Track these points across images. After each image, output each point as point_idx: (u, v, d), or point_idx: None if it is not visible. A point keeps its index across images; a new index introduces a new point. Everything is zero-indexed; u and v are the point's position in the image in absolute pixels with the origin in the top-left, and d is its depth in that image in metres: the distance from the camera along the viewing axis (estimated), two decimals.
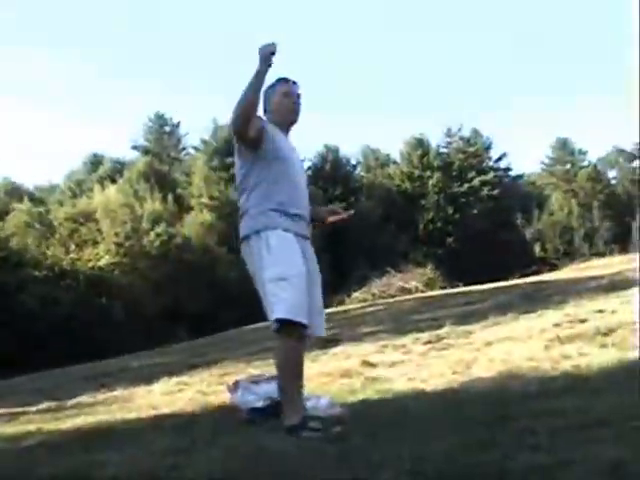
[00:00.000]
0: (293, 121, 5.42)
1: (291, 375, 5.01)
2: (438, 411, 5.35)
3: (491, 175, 65.45)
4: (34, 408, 10.92)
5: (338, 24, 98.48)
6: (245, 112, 4.95)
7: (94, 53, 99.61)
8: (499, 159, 68.28)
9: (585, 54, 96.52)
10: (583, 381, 5.87)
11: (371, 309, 21.27)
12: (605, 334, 8.42)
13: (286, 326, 4.88)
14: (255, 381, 6.21)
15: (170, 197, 52.58)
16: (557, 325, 10.06)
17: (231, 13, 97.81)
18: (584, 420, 4.11)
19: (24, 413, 10.49)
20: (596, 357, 7.16)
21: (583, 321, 10.01)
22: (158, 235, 45.76)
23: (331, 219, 5.66)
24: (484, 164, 66.87)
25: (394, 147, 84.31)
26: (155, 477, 3.91)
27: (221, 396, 8.14)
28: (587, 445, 3.53)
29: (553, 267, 50.98)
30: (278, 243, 5.11)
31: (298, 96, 5.40)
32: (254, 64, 4.99)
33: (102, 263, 40.10)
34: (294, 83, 5.39)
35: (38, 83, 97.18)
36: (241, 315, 38.61)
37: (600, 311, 10.60)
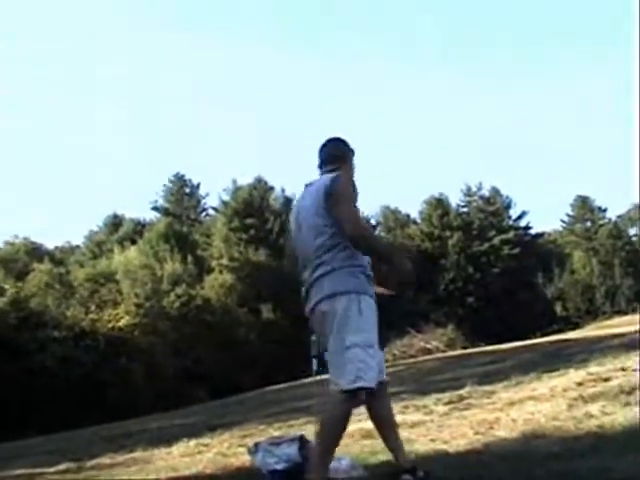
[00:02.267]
0: None
1: (335, 435, 5.12)
2: (461, 472, 5.28)
3: (511, 234, 65.41)
4: (52, 469, 10.87)
5: (355, 82, 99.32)
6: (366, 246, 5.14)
7: (114, 115, 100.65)
8: (519, 217, 68.27)
9: (601, 113, 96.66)
10: (607, 441, 5.79)
11: (392, 369, 21.11)
12: (629, 392, 8.30)
13: (359, 392, 4.99)
14: (276, 443, 6.16)
15: (190, 258, 52.79)
16: (580, 384, 9.94)
17: (247, 81, 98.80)
18: None
19: (42, 474, 10.43)
20: (620, 416, 7.05)
21: (606, 379, 9.89)
22: (178, 296, 45.86)
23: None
24: (504, 223, 66.89)
25: (414, 206, 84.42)
26: None
27: (241, 458, 8.07)
28: None
29: (575, 326, 50.73)
30: (367, 309, 5.11)
31: None
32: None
33: (122, 324, 40.08)
34: None
35: (57, 142, 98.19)
36: (261, 376, 38.58)
37: (623, 369, 10.48)
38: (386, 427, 5.51)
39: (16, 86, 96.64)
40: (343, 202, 5.07)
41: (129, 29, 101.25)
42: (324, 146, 5.50)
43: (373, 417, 5.51)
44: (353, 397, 5.00)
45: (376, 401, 5.31)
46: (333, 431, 5.10)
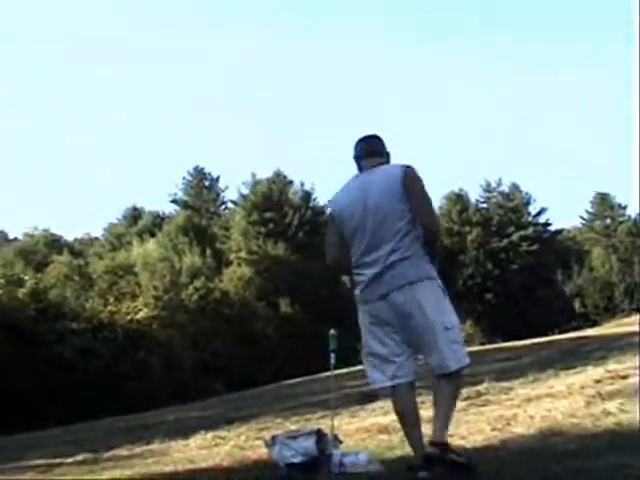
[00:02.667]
0: None
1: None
2: (478, 469, 5.27)
3: (530, 230, 65.11)
4: (70, 459, 10.93)
5: (374, 76, 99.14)
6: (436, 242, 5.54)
7: (133, 112, 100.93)
8: (538, 214, 67.91)
9: (623, 109, 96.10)
10: (625, 438, 5.78)
11: None
12: None
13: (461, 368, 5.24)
14: (293, 436, 6.17)
15: (209, 251, 52.85)
16: (598, 381, 9.91)
17: (267, 75, 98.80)
18: (626, 478, 4.04)
19: (60, 464, 10.49)
20: (638, 414, 7.03)
21: (624, 377, 9.86)
22: (197, 289, 45.95)
23: None
24: (523, 219, 66.57)
25: (433, 201, 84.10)
26: None
27: (258, 451, 8.08)
28: None
29: (593, 323, 50.51)
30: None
31: None
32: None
33: (140, 316, 40.18)
34: None
35: (77, 134, 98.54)
36: (278, 370, 38.61)
37: None
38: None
39: (24, 84, 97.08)
40: (424, 193, 5.32)
41: (145, 24, 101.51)
42: (369, 138, 5.59)
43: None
44: (460, 374, 5.31)
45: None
46: (455, 403, 5.48)
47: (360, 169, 5.46)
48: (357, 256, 5.28)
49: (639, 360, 10.62)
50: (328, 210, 5.31)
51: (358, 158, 5.49)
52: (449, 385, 5.28)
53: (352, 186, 5.38)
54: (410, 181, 5.25)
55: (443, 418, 5.27)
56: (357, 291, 5.44)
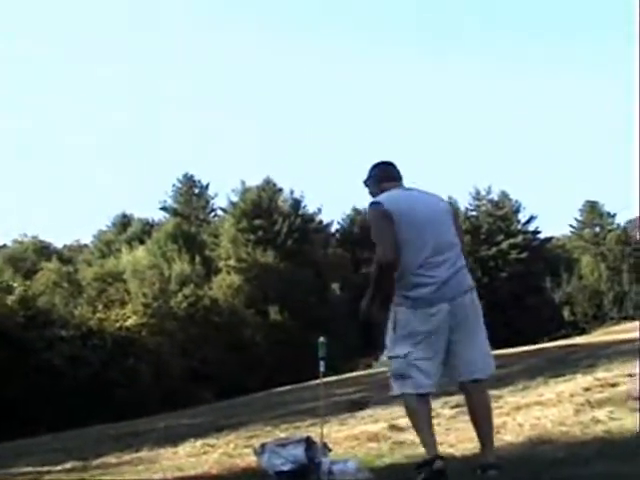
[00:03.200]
0: None
1: None
2: (467, 476, 5.28)
3: (520, 238, 65.27)
4: (59, 467, 10.91)
5: (364, 85, 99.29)
6: None
7: (123, 118, 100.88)
8: (528, 222, 68.07)
9: (612, 117, 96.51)
10: (614, 446, 5.79)
11: None
12: (636, 398, 8.30)
13: None
14: (282, 444, 6.17)
15: (198, 259, 52.80)
16: (587, 389, 9.93)
17: (256, 82, 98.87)
18: None
19: (49, 472, 10.47)
20: (627, 422, 7.05)
21: (614, 385, 9.89)
22: (186, 297, 45.91)
23: None
24: (513, 227, 66.74)
25: None
26: None
27: (247, 459, 8.09)
28: None
29: (582, 331, 50.64)
30: None
31: None
32: None
33: (129, 323, 40.11)
34: None
35: (65, 141, 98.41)
36: (267, 377, 38.60)
37: (631, 375, 10.46)
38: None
39: (20, 85, 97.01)
40: (462, 230, 5.94)
41: (137, 28, 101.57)
42: (391, 164, 5.80)
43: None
44: None
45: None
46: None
47: (381, 189, 5.56)
48: (422, 258, 5.31)
49: None
50: (383, 211, 5.18)
51: (381, 179, 5.64)
52: (486, 396, 5.47)
53: (403, 197, 5.48)
54: (457, 216, 5.91)
55: (490, 435, 5.49)
56: (422, 291, 5.28)
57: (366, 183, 5.75)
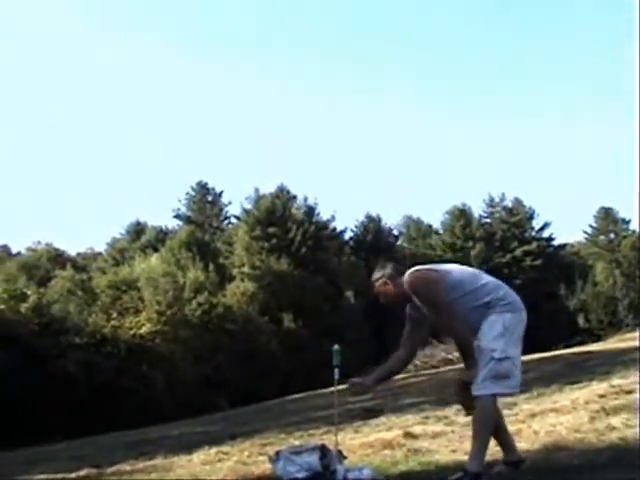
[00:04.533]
0: (384, 304, 6.20)
1: None
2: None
3: (534, 245, 65.13)
4: (73, 475, 10.90)
5: (378, 93, 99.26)
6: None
7: (140, 124, 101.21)
8: (542, 229, 67.93)
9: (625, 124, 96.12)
10: (629, 453, 5.76)
11: (413, 380, 21.13)
12: None
13: None
14: (297, 452, 6.16)
15: (212, 266, 52.80)
16: (602, 396, 9.89)
17: (268, 90, 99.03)
18: None
19: (63, 479, 10.46)
20: None
21: (629, 392, 9.84)
22: (200, 304, 45.90)
23: None
24: (527, 234, 66.60)
25: (436, 216, 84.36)
26: None
27: (262, 466, 8.07)
28: None
29: (597, 338, 50.43)
30: None
31: (376, 286, 6.14)
32: None
33: (143, 331, 40.11)
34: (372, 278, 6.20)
35: (82, 148, 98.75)
36: (281, 385, 38.58)
37: None
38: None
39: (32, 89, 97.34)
40: None
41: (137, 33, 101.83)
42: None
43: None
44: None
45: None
46: None
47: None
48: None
49: None
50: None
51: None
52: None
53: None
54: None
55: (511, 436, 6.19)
56: (515, 297, 5.94)
57: None
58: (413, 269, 5.93)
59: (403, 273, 5.96)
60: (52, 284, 51.26)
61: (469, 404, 5.83)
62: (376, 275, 6.11)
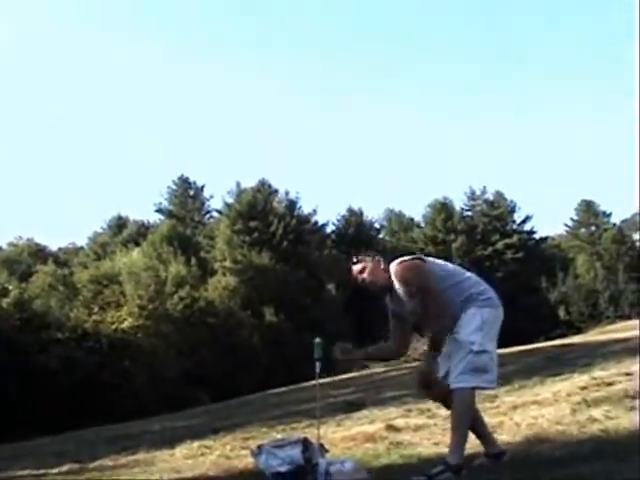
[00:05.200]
0: (365, 288, 6.05)
1: None
2: (463, 476, 5.28)
3: (515, 238, 65.35)
4: (55, 470, 10.88)
5: (360, 85, 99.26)
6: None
7: (119, 115, 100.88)
8: (523, 222, 68.17)
9: (607, 116, 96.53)
10: (611, 445, 5.79)
11: (395, 373, 21.15)
12: (633, 397, 8.30)
13: None
14: (279, 445, 6.14)
15: (193, 260, 52.74)
16: (583, 388, 9.94)
17: (249, 80, 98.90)
18: None
19: (45, 475, 10.44)
20: (624, 420, 7.05)
21: (610, 384, 9.89)
22: (181, 298, 45.83)
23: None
24: (508, 227, 66.81)
25: (417, 209, 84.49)
26: None
27: (244, 460, 8.07)
28: None
29: (578, 330, 50.64)
30: None
31: (357, 277, 6.01)
32: None
33: (125, 326, 40.03)
34: (353, 264, 6.08)
35: (61, 142, 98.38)
36: (263, 379, 38.58)
37: (627, 374, 10.47)
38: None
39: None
40: None
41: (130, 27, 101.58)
42: None
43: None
44: None
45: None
46: None
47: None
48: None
49: None
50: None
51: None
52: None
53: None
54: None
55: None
56: (493, 294, 5.93)
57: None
58: (399, 259, 5.91)
59: (386, 263, 5.95)
60: (33, 279, 51.06)
61: (437, 396, 5.95)
62: (359, 261, 6.03)
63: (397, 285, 5.84)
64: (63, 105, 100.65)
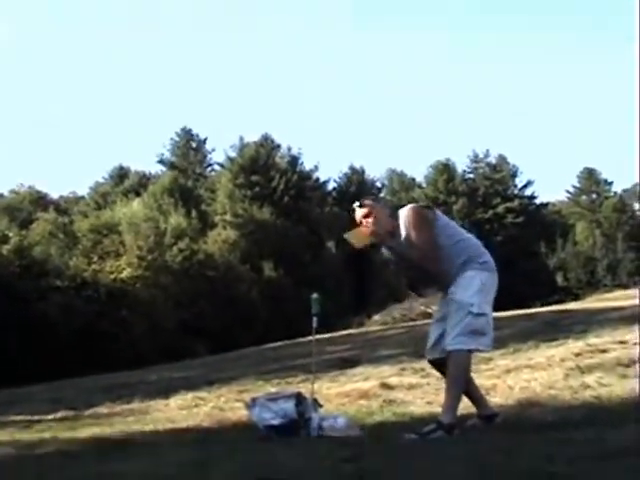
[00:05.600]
0: (374, 242, 5.98)
1: None
2: (455, 436, 5.32)
3: (516, 202, 65.27)
4: (50, 416, 10.94)
5: (364, 45, 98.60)
6: None
7: (125, 65, 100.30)
8: (525, 186, 68.04)
9: (614, 85, 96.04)
10: (603, 412, 5.82)
11: (391, 332, 21.24)
12: (626, 365, 8.34)
13: None
14: (273, 399, 6.19)
15: (194, 213, 52.68)
16: (578, 354, 9.96)
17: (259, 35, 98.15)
18: (602, 450, 4.07)
19: (40, 421, 10.51)
20: (616, 388, 7.09)
21: (604, 351, 9.92)
22: (181, 250, 45.80)
23: None
24: (509, 191, 66.68)
25: (419, 170, 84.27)
26: None
27: (238, 412, 8.13)
28: (604, 475, 3.50)
29: (575, 297, 50.68)
30: None
31: (362, 221, 5.91)
32: None
33: (124, 275, 40.07)
34: (358, 207, 5.97)
35: (71, 95, 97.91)
36: (260, 333, 38.69)
37: (622, 342, 10.50)
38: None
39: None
40: None
41: None
42: None
43: None
44: None
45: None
46: None
47: None
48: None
49: None
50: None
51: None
52: None
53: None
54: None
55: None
56: (490, 258, 5.96)
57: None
58: (412, 205, 5.89)
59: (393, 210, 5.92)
60: (34, 226, 51.00)
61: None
62: (371, 203, 5.94)
63: (403, 230, 5.79)
64: (68, 51, 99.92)
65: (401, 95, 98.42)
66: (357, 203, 5.96)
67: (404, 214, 5.79)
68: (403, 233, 5.78)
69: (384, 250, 6.02)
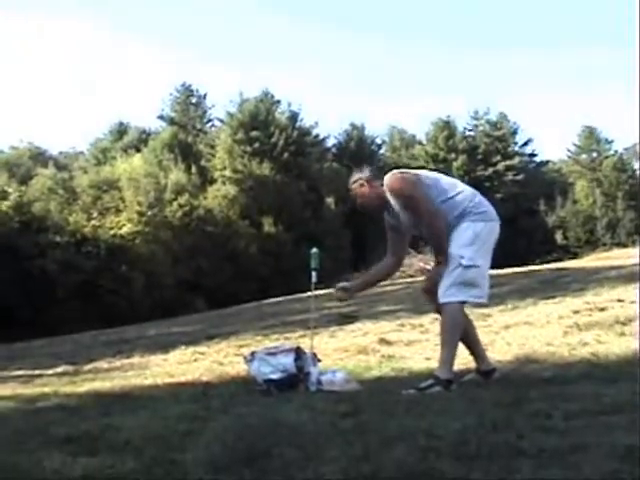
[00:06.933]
0: (361, 208, 6.15)
1: None
2: (453, 391, 5.35)
3: (516, 160, 65.16)
4: (50, 371, 11.00)
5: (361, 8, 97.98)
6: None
7: (123, 21, 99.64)
8: (525, 144, 67.91)
9: (617, 43, 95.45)
10: (600, 368, 5.85)
11: (390, 288, 21.24)
12: (624, 323, 8.36)
13: None
14: (272, 353, 6.22)
15: (194, 168, 52.59)
16: (576, 312, 10.00)
17: None
18: (599, 406, 4.10)
19: (40, 376, 10.56)
20: (614, 345, 7.12)
21: (602, 309, 9.95)
22: (181, 206, 45.81)
23: None
24: (509, 149, 66.52)
25: (420, 127, 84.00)
26: (169, 442, 3.92)
27: (237, 367, 8.18)
28: (601, 430, 3.53)
29: (574, 255, 50.81)
30: None
31: (357, 192, 6.04)
32: None
33: (124, 231, 40.09)
34: (353, 183, 6.09)
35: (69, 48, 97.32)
36: (260, 288, 38.81)
37: (620, 300, 10.53)
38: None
39: None
40: None
41: None
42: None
43: None
44: None
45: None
46: None
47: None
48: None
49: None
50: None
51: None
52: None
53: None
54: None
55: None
56: (489, 207, 5.89)
57: None
58: (393, 171, 5.90)
59: (381, 178, 5.93)
60: (33, 182, 50.82)
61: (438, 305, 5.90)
62: (354, 177, 6.04)
63: (390, 197, 5.83)
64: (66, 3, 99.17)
65: (401, 48, 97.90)
66: (353, 177, 6.07)
67: (385, 181, 5.86)
68: (391, 199, 5.84)
69: (386, 217, 6.05)
